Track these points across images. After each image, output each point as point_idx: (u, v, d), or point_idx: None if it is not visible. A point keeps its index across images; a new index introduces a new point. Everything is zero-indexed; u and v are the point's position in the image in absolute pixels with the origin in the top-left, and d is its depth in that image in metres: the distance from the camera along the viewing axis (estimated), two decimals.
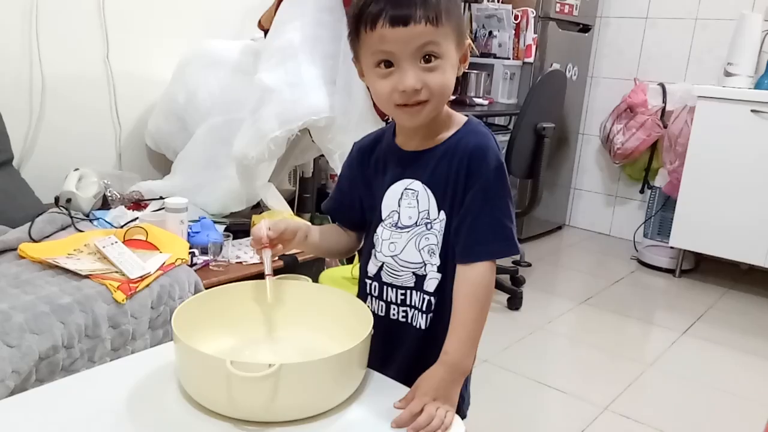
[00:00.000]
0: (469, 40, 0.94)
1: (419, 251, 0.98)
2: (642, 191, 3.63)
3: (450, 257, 0.96)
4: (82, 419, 0.81)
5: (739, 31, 3.04)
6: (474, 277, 0.93)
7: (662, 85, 3.36)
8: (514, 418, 1.89)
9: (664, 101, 3.34)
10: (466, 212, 0.94)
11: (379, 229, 1.01)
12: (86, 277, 1.45)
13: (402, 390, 0.93)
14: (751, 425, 1.88)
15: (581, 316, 2.68)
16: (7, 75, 2.04)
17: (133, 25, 2.33)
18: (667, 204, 3.36)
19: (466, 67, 0.97)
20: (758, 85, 2.99)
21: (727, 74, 3.09)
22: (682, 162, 3.09)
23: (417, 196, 0.97)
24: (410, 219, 0.98)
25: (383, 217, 1.01)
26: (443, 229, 0.96)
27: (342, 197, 1.08)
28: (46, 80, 2.12)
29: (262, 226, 0.97)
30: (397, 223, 0.99)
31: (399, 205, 0.99)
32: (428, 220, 0.97)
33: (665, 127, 3.30)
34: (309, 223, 1.07)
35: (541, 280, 3.00)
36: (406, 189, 0.98)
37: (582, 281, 3.12)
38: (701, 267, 3.31)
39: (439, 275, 0.98)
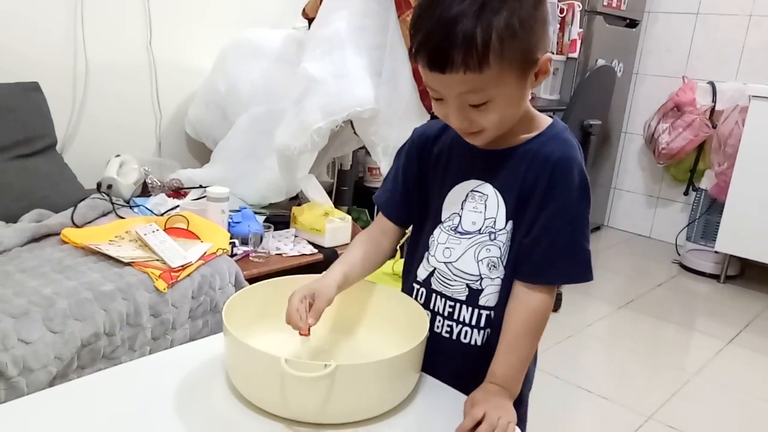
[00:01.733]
0: (547, 55, 0.80)
1: (477, 263, 0.90)
2: (686, 193, 3.52)
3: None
4: (129, 413, 0.79)
5: None
6: (537, 302, 0.86)
7: (712, 84, 3.24)
8: (556, 423, 1.84)
9: (714, 100, 3.22)
10: (543, 230, 0.85)
11: (437, 231, 0.93)
12: (128, 264, 1.44)
13: (455, 394, 0.89)
14: None
15: (622, 320, 2.60)
16: (52, 61, 2.04)
17: (176, 13, 2.32)
18: (712, 207, 3.24)
19: (546, 78, 0.85)
20: None
21: None
22: (731, 164, 2.97)
23: (486, 200, 0.89)
24: (473, 225, 0.89)
25: (443, 219, 0.93)
26: (509, 241, 0.88)
27: (396, 188, 0.98)
28: (89, 66, 2.12)
29: (300, 310, 0.84)
30: (457, 228, 0.91)
31: (462, 208, 0.90)
32: (493, 230, 0.88)
33: (714, 127, 3.18)
34: (341, 268, 0.91)
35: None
36: (473, 191, 0.90)
37: (622, 284, 3.03)
38: (746, 273, 3.19)
39: (500, 288, 0.90)
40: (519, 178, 0.86)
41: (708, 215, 3.28)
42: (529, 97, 0.87)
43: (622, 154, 3.76)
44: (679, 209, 3.58)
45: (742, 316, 2.69)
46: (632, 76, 3.62)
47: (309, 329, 0.84)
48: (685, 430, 1.81)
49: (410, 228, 1.01)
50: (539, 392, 2.04)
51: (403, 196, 0.98)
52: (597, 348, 2.37)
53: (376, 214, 1.04)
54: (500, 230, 0.88)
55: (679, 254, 3.37)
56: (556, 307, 2.57)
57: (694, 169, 3.40)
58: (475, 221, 0.90)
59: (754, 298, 2.92)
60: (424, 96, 1.71)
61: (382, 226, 1.00)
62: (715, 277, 3.12)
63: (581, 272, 0.87)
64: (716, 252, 3.07)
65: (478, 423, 0.79)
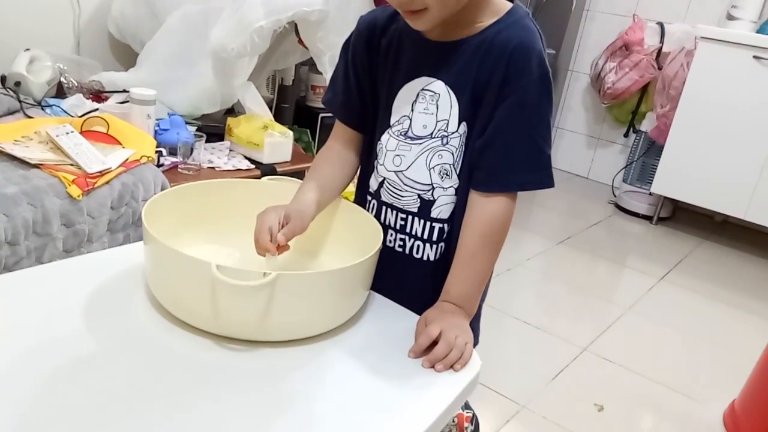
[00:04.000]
0: None
1: (429, 170, 0.81)
2: (626, 135, 3.54)
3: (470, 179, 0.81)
4: (26, 325, 0.66)
5: None
6: (493, 212, 0.78)
7: (661, 24, 3.21)
8: (493, 353, 1.82)
9: (662, 41, 3.20)
10: (497, 130, 0.76)
11: (385, 137, 0.84)
12: (36, 166, 1.27)
13: (408, 313, 0.81)
14: (725, 371, 1.86)
15: (559, 255, 2.61)
16: None
17: None
18: (650, 150, 3.28)
19: None
20: (761, 32, 2.87)
21: (730, 17, 2.96)
22: (673, 106, 2.98)
23: (437, 100, 0.79)
24: (424, 128, 0.80)
25: (392, 123, 0.83)
26: (462, 145, 0.80)
27: (348, 88, 0.87)
28: None
29: (272, 227, 0.73)
30: (407, 132, 0.82)
31: (412, 110, 0.81)
32: (445, 133, 0.80)
33: (660, 68, 3.17)
34: (314, 196, 0.81)
35: (518, 217, 2.87)
36: (423, 89, 0.80)
37: (559, 222, 3.05)
38: (677, 216, 3.28)
39: (455, 199, 0.82)
40: (473, 73, 0.77)
41: (645, 158, 3.32)
42: None
43: (567, 92, 3.73)
44: (618, 151, 3.61)
45: (672, 256, 2.76)
46: (583, 12, 3.54)
47: (276, 249, 0.73)
48: (618, 361, 1.84)
49: None
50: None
51: (359, 96, 0.87)
52: (535, 281, 2.37)
53: (322, 126, 0.92)
54: (453, 134, 0.80)
55: (615, 195, 3.41)
56: None
57: (636, 110, 3.40)
58: (426, 124, 0.80)
59: (683, 239, 3.01)
60: (379, 2, 1.56)
61: (343, 136, 0.89)
62: (648, 218, 3.18)
63: (540, 178, 0.79)
64: (650, 194, 3.12)
65: (434, 343, 0.72)
